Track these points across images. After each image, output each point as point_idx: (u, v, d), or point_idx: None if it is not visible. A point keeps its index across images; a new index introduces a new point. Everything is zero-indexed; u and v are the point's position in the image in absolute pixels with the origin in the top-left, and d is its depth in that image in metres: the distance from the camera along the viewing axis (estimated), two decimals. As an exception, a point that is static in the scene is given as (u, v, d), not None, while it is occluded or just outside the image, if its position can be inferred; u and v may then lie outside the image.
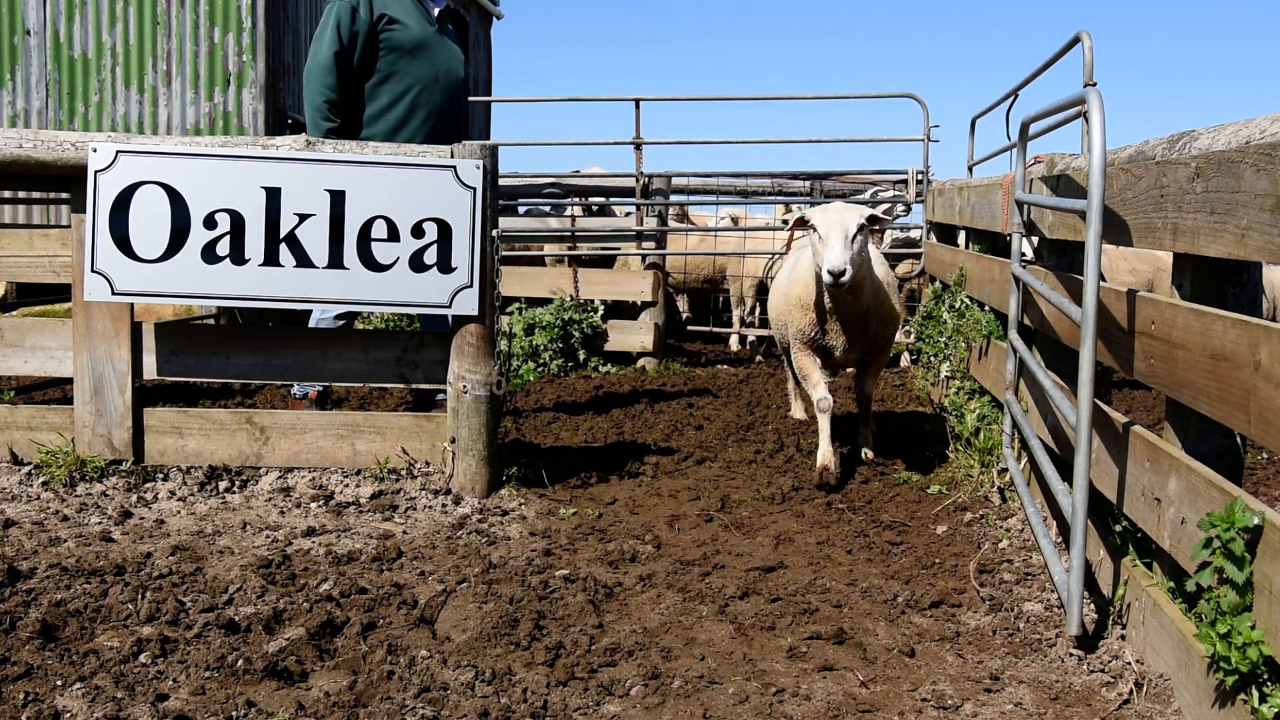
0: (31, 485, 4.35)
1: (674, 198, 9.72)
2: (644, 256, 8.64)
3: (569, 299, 8.35)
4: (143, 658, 2.89)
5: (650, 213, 8.83)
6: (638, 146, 8.70)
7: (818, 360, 5.03)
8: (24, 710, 2.58)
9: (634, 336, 8.30)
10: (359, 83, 5.25)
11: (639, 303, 8.44)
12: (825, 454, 4.85)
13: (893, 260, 8.69)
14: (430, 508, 4.30)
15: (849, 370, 5.45)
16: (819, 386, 4.97)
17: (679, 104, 9.89)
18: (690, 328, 10.00)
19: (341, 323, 5.51)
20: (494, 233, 4.46)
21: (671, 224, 9.30)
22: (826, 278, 4.40)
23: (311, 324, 5.52)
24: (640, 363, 8.25)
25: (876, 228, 4.65)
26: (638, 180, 8.70)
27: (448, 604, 3.32)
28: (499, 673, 2.84)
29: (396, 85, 5.26)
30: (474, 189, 4.37)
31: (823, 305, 4.84)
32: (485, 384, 4.46)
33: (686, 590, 3.48)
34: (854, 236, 4.45)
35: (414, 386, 5.39)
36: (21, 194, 9.48)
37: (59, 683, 2.74)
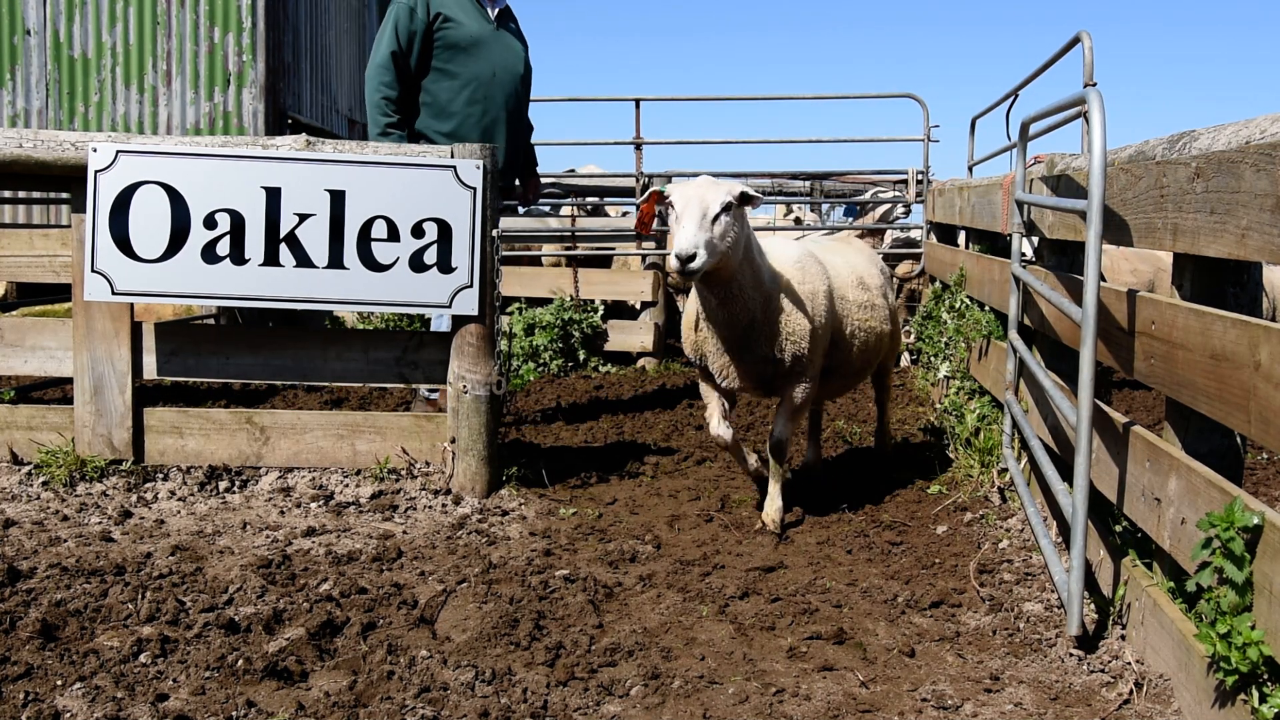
0: (31, 485, 4.35)
1: (674, 198, 9.71)
2: (644, 257, 8.64)
3: (569, 299, 8.35)
4: (143, 658, 2.89)
5: (650, 213, 8.82)
6: (638, 146, 8.70)
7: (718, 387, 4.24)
8: (24, 710, 2.58)
9: (634, 336, 8.30)
10: (418, 81, 5.28)
11: (639, 303, 8.44)
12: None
13: (892, 260, 8.68)
14: (430, 508, 4.30)
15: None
16: (712, 418, 4.27)
17: (679, 104, 9.89)
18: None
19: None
20: (494, 233, 4.46)
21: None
22: (673, 263, 3.67)
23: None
24: (640, 363, 8.25)
25: (751, 207, 3.87)
26: (638, 180, 8.70)
27: (448, 604, 3.32)
28: (499, 673, 2.84)
29: (453, 83, 5.27)
30: (474, 189, 4.37)
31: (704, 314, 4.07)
32: (485, 384, 4.46)
33: (686, 590, 3.48)
34: (716, 216, 3.68)
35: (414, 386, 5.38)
36: (21, 194, 9.48)
37: (59, 682, 2.74)
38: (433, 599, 3.33)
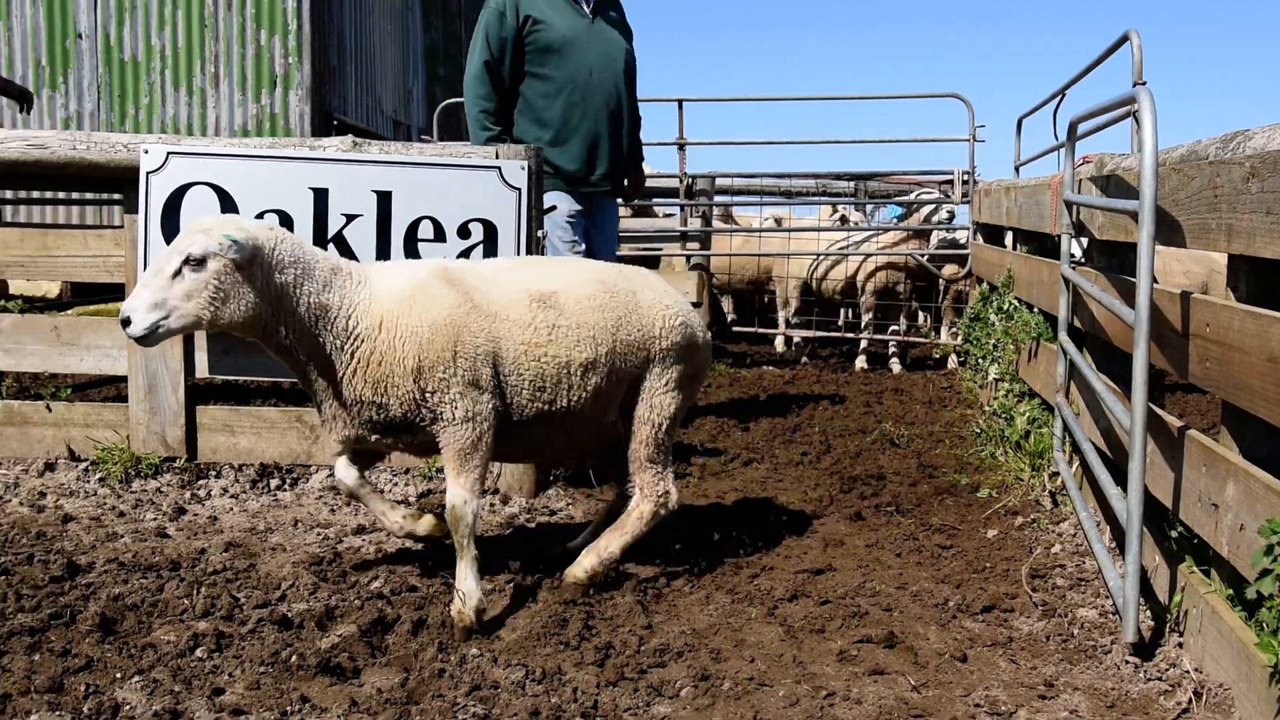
0: (89, 481, 4.42)
1: (718, 198, 9.71)
2: (688, 257, 8.63)
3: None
4: (199, 652, 2.93)
5: (694, 213, 8.83)
6: (681, 147, 8.70)
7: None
8: (85, 701, 2.62)
9: (678, 337, 8.29)
10: (515, 87, 5.12)
11: (683, 304, 8.43)
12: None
13: (938, 262, 8.63)
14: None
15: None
16: (338, 459, 3.56)
17: (723, 104, 9.88)
18: (735, 329, 9.98)
19: None
20: (539, 233, 4.47)
21: (716, 225, 9.29)
22: None
23: None
24: (684, 363, 8.24)
25: (233, 257, 3.08)
26: (681, 181, 8.70)
27: (497, 603, 3.33)
28: (549, 672, 2.85)
29: (547, 86, 5.08)
30: (519, 190, 4.38)
31: None
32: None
33: (735, 592, 3.48)
34: (177, 271, 3.08)
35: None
36: (74, 195, 9.64)
37: (118, 675, 2.79)
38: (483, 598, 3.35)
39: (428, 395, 3.24)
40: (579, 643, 3.04)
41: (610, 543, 3.49)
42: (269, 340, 3.25)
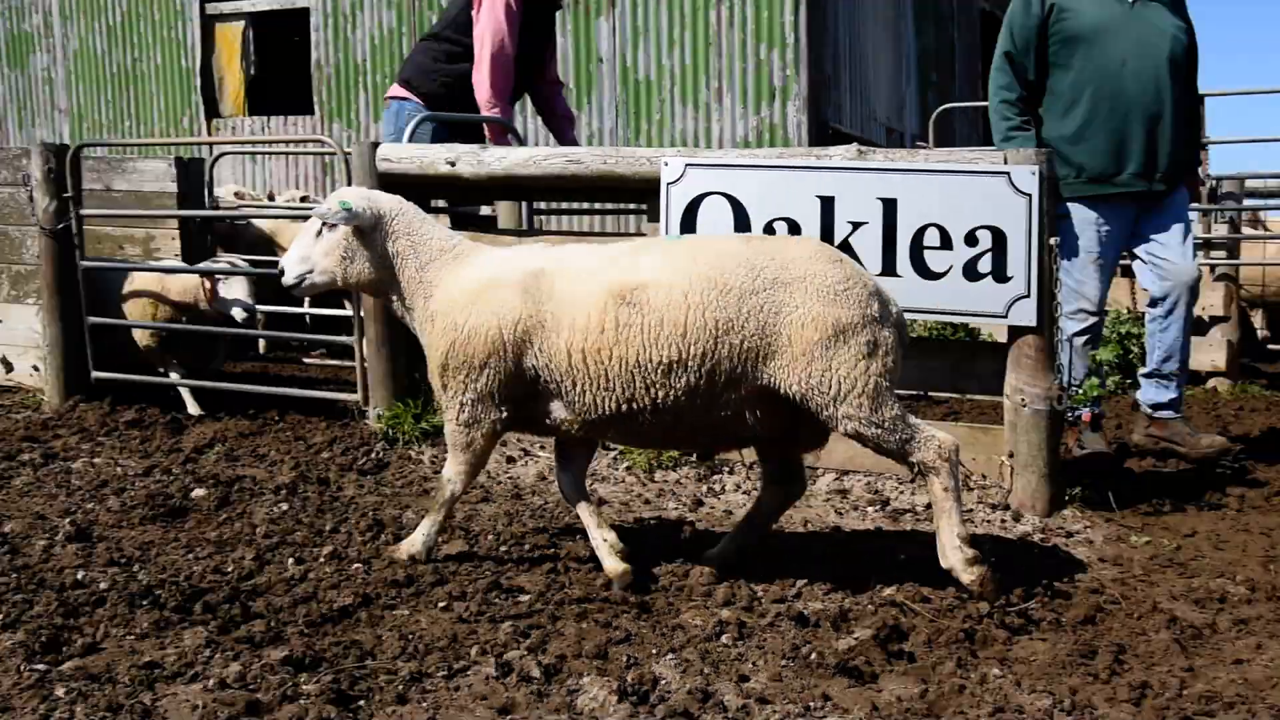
0: (617, 469, 4.82)
1: (1247, 202, 8.73)
2: (1213, 267, 7.82)
3: (1125, 311, 7.75)
4: (724, 638, 3.08)
5: (1219, 219, 8.00)
6: (1204, 146, 7.93)
7: None
8: (628, 671, 2.84)
9: (1202, 354, 7.50)
10: (1041, 80, 4.86)
11: (1207, 318, 7.64)
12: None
13: None
14: (988, 522, 4.17)
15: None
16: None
17: (1252, 97, 8.89)
18: (1269, 346, 8.89)
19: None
20: (1052, 241, 4.25)
21: (1245, 231, 8.35)
22: None
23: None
24: (1210, 383, 7.46)
25: (357, 225, 3.57)
26: (1204, 183, 7.91)
27: (1003, 622, 3.19)
28: (1079, 704, 2.69)
29: (1073, 78, 4.76)
30: (1029, 195, 4.19)
31: None
32: (1045, 398, 4.26)
33: (1293, 642, 3.08)
34: (318, 231, 3.64)
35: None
36: (573, 205, 10.56)
37: (654, 651, 3.00)
38: (999, 615, 3.23)
39: (445, 388, 3.49)
40: (1109, 677, 2.83)
41: (948, 533, 3.32)
42: (390, 306, 3.73)
